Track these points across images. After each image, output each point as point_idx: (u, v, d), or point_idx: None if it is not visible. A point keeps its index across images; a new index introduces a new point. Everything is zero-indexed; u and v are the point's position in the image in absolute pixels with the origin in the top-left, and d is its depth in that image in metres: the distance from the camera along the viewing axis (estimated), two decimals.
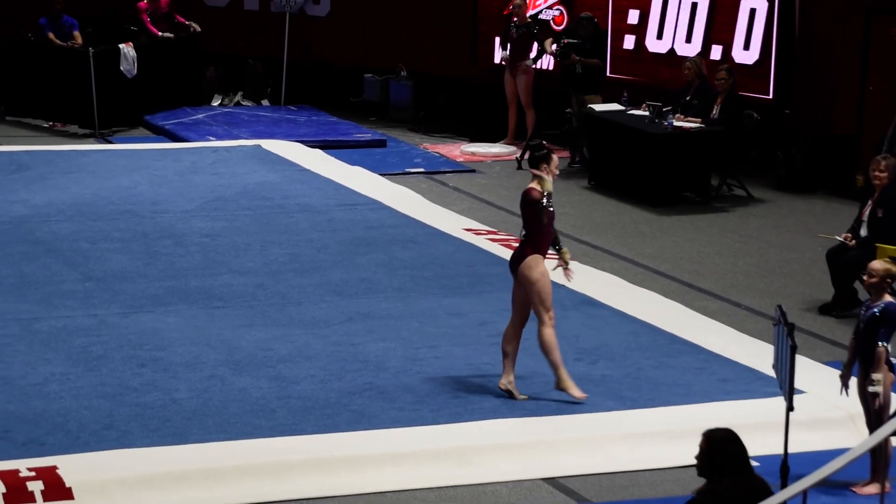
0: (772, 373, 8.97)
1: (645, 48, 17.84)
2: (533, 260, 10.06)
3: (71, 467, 8.82)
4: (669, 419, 9.88)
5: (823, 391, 10.26)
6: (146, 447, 9.23)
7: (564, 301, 12.30)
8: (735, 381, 10.61)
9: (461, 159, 18.19)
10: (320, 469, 9.11)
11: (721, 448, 6.77)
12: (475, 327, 11.65)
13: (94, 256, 13.37)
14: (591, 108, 17.09)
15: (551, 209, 10.09)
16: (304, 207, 15.27)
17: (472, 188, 16.74)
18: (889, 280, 8.96)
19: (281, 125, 19.40)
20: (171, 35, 19.99)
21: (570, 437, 9.61)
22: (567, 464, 9.36)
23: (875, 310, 8.89)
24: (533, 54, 18.32)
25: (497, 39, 19.03)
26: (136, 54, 19.25)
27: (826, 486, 8.69)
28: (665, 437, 9.65)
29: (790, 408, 8.11)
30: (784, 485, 7.55)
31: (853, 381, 9.09)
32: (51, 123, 19.59)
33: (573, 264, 10.57)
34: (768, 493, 6.69)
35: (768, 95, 16.70)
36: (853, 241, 12.38)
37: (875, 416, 8.90)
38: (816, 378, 10.50)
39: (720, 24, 17.14)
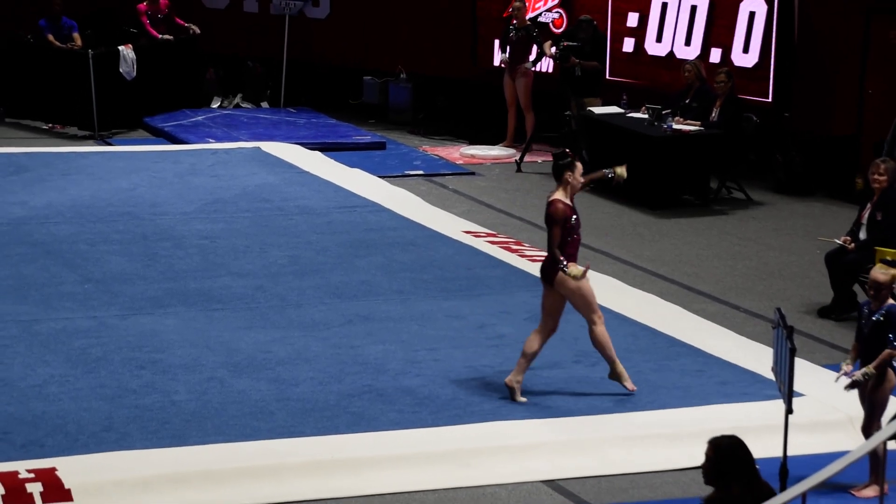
0: (771, 375, 8.98)
1: (644, 51, 17.85)
2: (568, 268, 10.08)
3: (70, 469, 8.82)
4: (668, 422, 9.89)
5: (823, 394, 10.26)
6: (145, 449, 9.23)
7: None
8: (734, 383, 10.61)
9: (460, 162, 18.19)
10: (319, 471, 9.11)
11: (728, 455, 6.76)
12: (474, 330, 11.66)
13: (93, 258, 13.37)
14: (590, 110, 17.10)
15: (575, 218, 10.09)
16: (304, 210, 15.27)
17: (471, 191, 16.74)
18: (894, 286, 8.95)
19: (280, 127, 19.41)
20: (171, 37, 20.00)
21: (570, 440, 9.61)
22: (566, 466, 9.36)
23: (879, 315, 8.87)
24: (532, 57, 18.33)
25: (496, 42, 19.04)
26: (135, 56, 19.26)
27: (825, 488, 8.68)
28: (664, 440, 9.66)
29: (789, 410, 8.11)
30: (783, 487, 7.55)
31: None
32: (50, 125, 19.60)
33: None
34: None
35: (767, 98, 16.71)
36: (852, 245, 12.38)
37: (867, 411, 8.89)
38: (816, 381, 10.49)
39: (719, 27, 17.15)
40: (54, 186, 15.92)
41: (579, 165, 10.18)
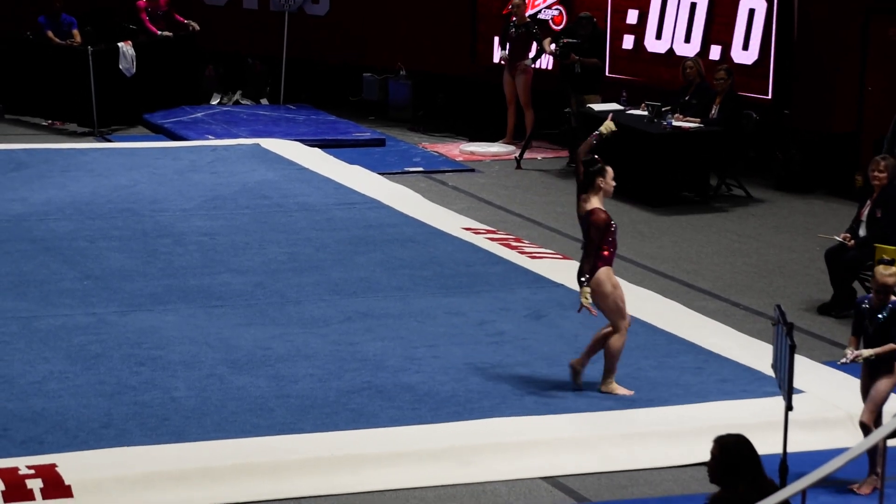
0: (771, 372, 8.97)
1: (644, 48, 17.84)
2: (603, 273, 10.13)
3: (70, 465, 8.82)
4: (668, 419, 9.89)
5: (822, 391, 10.27)
6: (145, 445, 9.23)
7: (563, 300, 12.31)
8: (734, 380, 10.61)
9: (460, 158, 18.19)
10: (319, 468, 9.11)
11: (734, 454, 6.74)
12: (474, 326, 11.66)
13: (92, 255, 13.36)
14: (589, 107, 17.09)
15: (614, 224, 10.18)
16: (303, 206, 15.27)
17: (471, 187, 16.74)
18: None
19: (280, 124, 19.40)
20: (170, 34, 19.99)
21: (569, 437, 9.61)
22: (566, 463, 9.36)
23: (884, 313, 8.83)
24: (532, 54, 18.32)
25: (496, 39, 19.04)
26: (134, 53, 19.26)
27: (825, 485, 8.69)
28: (664, 437, 9.66)
29: (789, 407, 8.11)
30: (783, 484, 7.55)
31: (856, 383, 9.07)
32: (50, 122, 19.59)
33: None
34: None
35: (767, 95, 16.71)
36: (852, 242, 12.38)
37: (866, 403, 8.89)
38: (815, 378, 10.51)
39: (719, 24, 17.14)
40: (54, 183, 15.92)
41: (609, 170, 10.24)
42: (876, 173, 12.27)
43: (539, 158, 18.16)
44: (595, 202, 10.17)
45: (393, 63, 20.53)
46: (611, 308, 10.20)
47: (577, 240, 14.46)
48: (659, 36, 17.72)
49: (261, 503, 8.84)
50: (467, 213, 15.33)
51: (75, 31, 19.71)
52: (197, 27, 20.16)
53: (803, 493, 6.85)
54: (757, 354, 10.93)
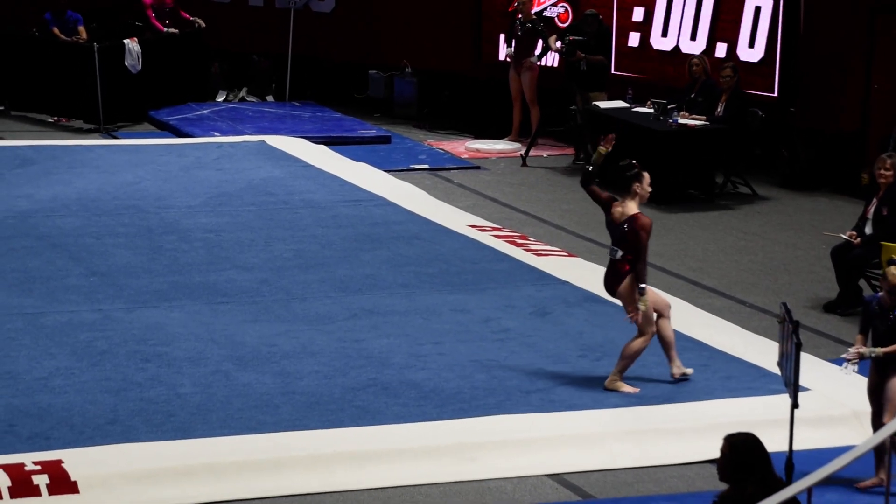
0: (776, 370, 8.98)
1: (650, 45, 17.83)
2: (633, 279, 10.17)
3: (76, 461, 8.83)
4: (674, 416, 9.89)
5: (828, 389, 10.26)
6: (150, 442, 9.24)
7: (568, 297, 12.32)
8: (739, 378, 10.61)
9: (466, 156, 18.18)
10: (324, 464, 9.11)
11: (744, 452, 6.73)
12: (479, 324, 11.65)
13: (98, 251, 13.37)
14: (595, 105, 17.08)
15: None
16: (309, 203, 15.27)
17: (476, 185, 16.74)
18: None
19: (285, 121, 19.40)
20: (176, 31, 19.99)
21: (575, 434, 9.61)
22: (571, 460, 9.36)
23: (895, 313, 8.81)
24: (538, 51, 18.31)
25: (502, 36, 19.03)
26: (140, 49, 19.25)
27: (831, 483, 8.68)
28: (669, 434, 9.66)
29: (795, 405, 8.11)
30: (789, 481, 7.54)
31: (864, 380, 9.05)
32: (55, 118, 19.59)
33: None
34: None
35: (773, 93, 16.70)
36: (858, 240, 12.37)
37: (878, 404, 8.86)
38: (821, 375, 10.50)
39: (725, 21, 17.13)
40: (60, 180, 15.92)
41: (646, 175, 10.25)
42: (882, 171, 12.27)
43: (545, 156, 18.16)
44: (633, 207, 10.22)
45: (399, 60, 20.53)
46: (639, 316, 10.21)
47: (581, 237, 14.51)
48: (665, 33, 17.71)
49: (266, 499, 8.85)
50: (473, 211, 15.32)
51: (81, 28, 19.70)
52: (203, 24, 20.15)
53: (809, 490, 6.85)
54: (763, 352, 10.92)
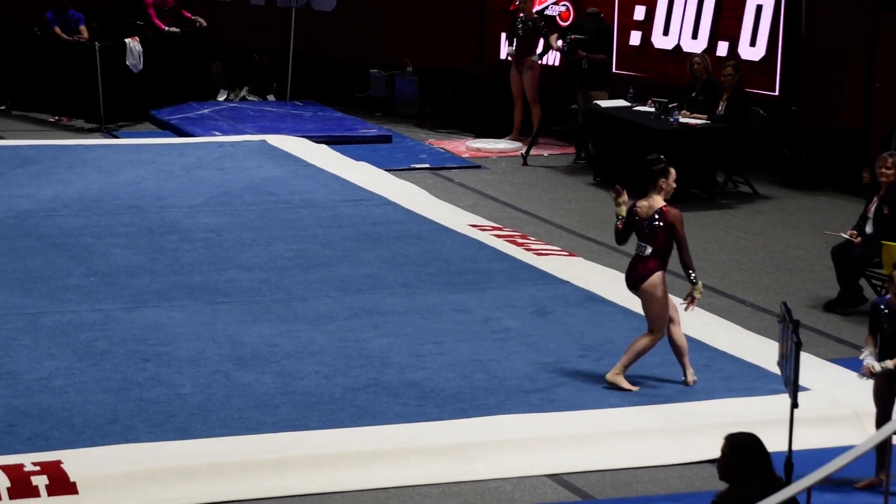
0: (777, 370, 8.97)
1: (651, 44, 17.83)
2: (658, 277, 10.21)
3: (75, 462, 8.83)
4: (674, 416, 9.88)
5: (828, 388, 10.25)
6: (150, 442, 9.24)
7: (569, 297, 12.32)
8: (740, 377, 10.61)
9: (467, 155, 18.18)
10: (324, 465, 9.11)
11: (745, 452, 6.73)
12: (480, 323, 11.65)
13: (99, 251, 13.37)
14: (596, 103, 17.07)
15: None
16: (310, 203, 15.27)
17: (477, 184, 16.73)
18: None
19: (286, 120, 19.40)
20: (177, 30, 20.00)
21: (574, 434, 9.60)
22: (571, 460, 9.36)
23: None
24: (539, 50, 18.31)
25: (503, 35, 19.02)
26: (142, 49, 19.26)
27: (830, 483, 8.67)
28: (669, 434, 9.65)
29: (795, 405, 8.10)
30: (788, 481, 7.54)
31: (863, 380, 9.04)
32: (56, 118, 19.60)
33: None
34: None
35: (774, 92, 16.69)
36: (858, 239, 12.37)
37: (883, 407, 8.84)
38: (821, 375, 10.50)
39: (726, 20, 17.12)
40: (60, 179, 15.93)
41: (672, 171, 10.27)
42: (884, 170, 12.26)
43: (546, 155, 18.15)
44: (659, 201, 10.22)
45: (400, 59, 20.52)
46: (656, 313, 10.25)
47: (582, 237, 14.51)
48: (666, 32, 17.70)
49: (266, 500, 8.85)
50: (473, 210, 15.32)
51: (83, 27, 19.71)
52: (204, 23, 20.16)
53: (809, 490, 6.84)
54: (762, 352, 10.92)
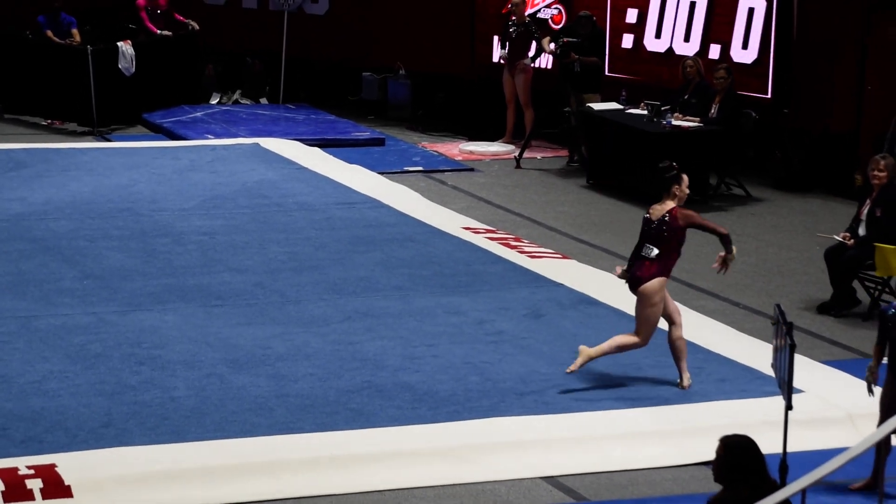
0: (770, 372, 8.97)
1: (643, 47, 17.85)
2: (659, 283, 10.21)
3: (69, 465, 8.82)
4: (668, 418, 9.89)
5: (822, 390, 10.27)
6: (144, 445, 9.23)
7: (563, 300, 12.32)
8: (733, 380, 10.62)
9: (459, 158, 18.19)
10: (318, 467, 9.11)
11: (740, 454, 6.73)
12: (473, 326, 11.66)
13: (92, 254, 13.36)
14: (589, 106, 17.09)
15: None
16: (303, 206, 15.27)
17: (470, 187, 16.74)
18: None
19: (279, 123, 19.40)
20: (170, 33, 19.99)
21: (569, 436, 9.61)
22: (566, 462, 9.36)
23: None
24: (531, 53, 18.32)
25: (495, 38, 19.04)
26: (134, 52, 19.25)
27: (824, 485, 8.69)
28: (663, 437, 9.66)
29: (789, 407, 8.11)
30: (783, 483, 7.55)
31: (857, 381, 9.04)
32: (49, 121, 19.59)
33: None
34: None
35: (767, 95, 16.71)
36: (851, 241, 12.38)
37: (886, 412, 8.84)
38: (815, 377, 10.51)
39: (718, 23, 17.15)
40: (53, 183, 15.92)
41: (685, 177, 10.30)
42: (876, 172, 12.27)
43: (538, 158, 18.16)
44: (671, 205, 10.24)
45: (392, 62, 20.53)
46: (647, 317, 10.24)
47: (575, 239, 14.52)
48: (658, 35, 17.73)
49: (260, 503, 8.84)
50: (467, 213, 15.33)
51: (75, 31, 19.70)
52: (196, 26, 20.16)
53: (803, 492, 6.85)
54: (756, 354, 10.93)
